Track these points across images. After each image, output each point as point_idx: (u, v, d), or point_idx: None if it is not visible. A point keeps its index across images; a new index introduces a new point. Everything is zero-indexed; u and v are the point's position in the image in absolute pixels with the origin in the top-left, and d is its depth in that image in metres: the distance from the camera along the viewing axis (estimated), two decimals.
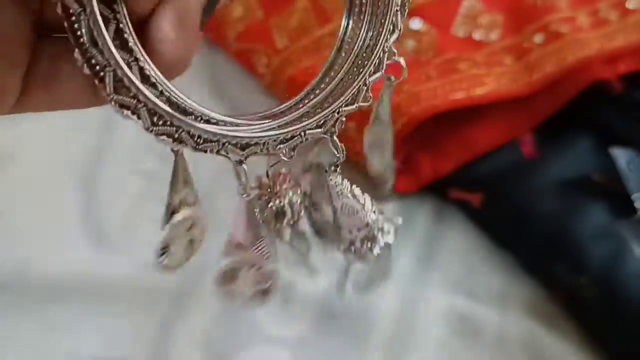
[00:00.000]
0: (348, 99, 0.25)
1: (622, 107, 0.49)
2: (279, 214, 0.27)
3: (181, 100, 0.22)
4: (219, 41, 0.54)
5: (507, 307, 0.44)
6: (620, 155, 0.47)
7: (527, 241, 0.46)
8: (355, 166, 0.50)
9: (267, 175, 0.26)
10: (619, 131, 0.49)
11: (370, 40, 0.24)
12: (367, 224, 0.29)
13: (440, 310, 0.44)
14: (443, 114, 0.47)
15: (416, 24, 0.50)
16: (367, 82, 0.25)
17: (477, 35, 0.50)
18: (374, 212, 0.29)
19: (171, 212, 0.24)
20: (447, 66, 0.48)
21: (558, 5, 0.51)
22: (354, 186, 0.29)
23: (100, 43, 0.20)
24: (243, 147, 0.23)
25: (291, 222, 0.27)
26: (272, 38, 0.51)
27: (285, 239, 0.28)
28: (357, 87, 0.25)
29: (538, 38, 0.50)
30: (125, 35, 0.21)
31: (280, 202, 0.27)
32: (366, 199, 0.29)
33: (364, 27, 0.24)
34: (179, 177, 0.24)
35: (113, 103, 0.21)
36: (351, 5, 0.24)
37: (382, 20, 0.24)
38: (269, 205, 0.26)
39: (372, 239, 0.30)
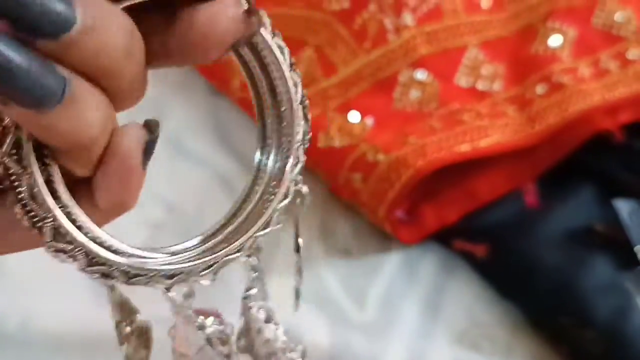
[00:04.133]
0: (261, 225, 0.27)
1: (623, 157, 0.50)
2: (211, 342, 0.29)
3: (112, 242, 0.24)
4: (223, 88, 0.54)
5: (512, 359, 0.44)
6: (623, 207, 0.47)
7: (532, 293, 0.46)
8: (361, 215, 0.50)
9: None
10: (621, 181, 0.50)
11: (278, 171, 0.27)
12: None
13: None
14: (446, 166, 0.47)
15: (420, 74, 0.50)
16: (277, 209, 0.27)
17: (481, 86, 0.51)
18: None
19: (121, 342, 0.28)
20: (451, 118, 0.49)
21: (559, 55, 0.51)
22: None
23: (39, 199, 0.22)
24: (170, 277, 0.26)
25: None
26: None
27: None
28: (269, 214, 0.27)
29: (540, 89, 0.50)
30: (55, 185, 0.23)
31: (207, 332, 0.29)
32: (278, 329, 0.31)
33: (271, 159, 0.27)
34: (119, 306, 0.27)
35: (52, 250, 0.23)
36: (263, 141, 0.27)
37: (287, 154, 0.27)
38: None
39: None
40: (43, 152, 0.22)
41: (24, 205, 0.22)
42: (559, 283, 0.45)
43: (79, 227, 0.23)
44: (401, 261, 0.48)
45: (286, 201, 0.27)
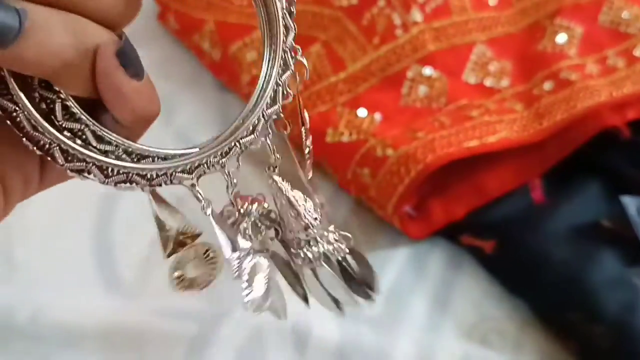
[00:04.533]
0: (268, 101, 0.27)
1: (630, 154, 0.50)
2: (254, 228, 0.29)
3: (135, 147, 0.25)
4: (232, 84, 0.55)
5: (521, 355, 0.44)
6: (630, 203, 0.47)
7: (541, 288, 0.46)
8: (369, 210, 0.50)
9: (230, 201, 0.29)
10: (627, 177, 0.50)
11: (266, 75, 0.28)
12: (306, 227, 0.29)
13: (455, 357, 0.44)
14: (454, 161, 0.47)
15: (428, 70, 0.51)
16: (279, 83, 0.28)
17: (488, 82, 0.51)
18: (315, 217, 0.30)
19: (176, 244, 0.28)
20: (459, 113, 0.49)
21: (567, 53, 0.51)
22: (294, 190, 0.29)
23: (40, 127, 0.24)
24: (190, 171, 0.27)
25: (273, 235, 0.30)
26: None
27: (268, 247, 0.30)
28: (272, 88, 0.27)
29: (547, 85, 0.50)
30: (72, 109, 0.24)
31: (247, 220, 0.29)
32: (307, 202, 0.30)
33: (265, 62, 0.28)
34: (164, 211, 0.27)
35: (68, 171, 0.24)
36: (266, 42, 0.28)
37: (274, 57, 0.27)
38: (241, 226, 0.29)
39: (313, 243, 0.30)
40: (41, 85, 0.23)
41: (30, 137, 0.24)
42: (567, 278, 0.45)
43: (104, 140, 0.24)
44: (409, 256, 0.49)
45: (288, 73, 0.27)
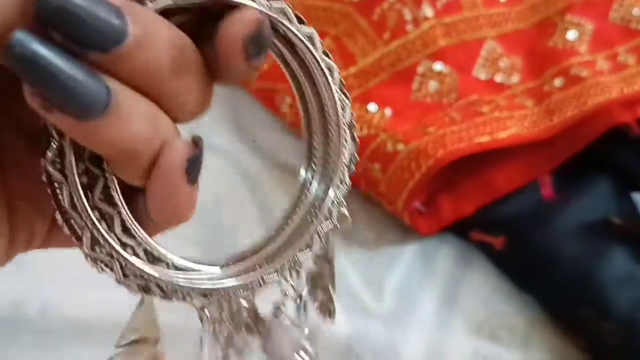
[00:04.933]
0: (303, 246, 0.26)
1: None
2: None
3: (156, 249, 0.24)
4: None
5: (530, 351, 0.44)
6: None
7: (550, 285, 0.46)
8: (378, 206, 0.50)
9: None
10: (637, 174, 0.50)
11: (322, 193, 0.26)
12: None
13: (465, 353, 0.44)
14: (464, 157, 0.47)
15: (439, 66, 0.50)
16: (320, 232, 0.26)
17: (499, 78, 0.51)
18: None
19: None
20: (470, 109, 0.49)
21: (577, 49, 0.51)
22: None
23: (79, 207, 0.22)
24: (205, 295, 0.26)
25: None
26: None
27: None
28: (310, 236, 0.26)
29: (558, 82, 0.50)
30: (111, 192, 0.23)
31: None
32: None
33: (315, 179, 0.26)
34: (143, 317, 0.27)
35: (89, 259, 0.23)
36: (308, 161, 0.26)
37: (332, 175, 0.26)
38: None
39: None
40: (91, 159, 0.22)
41: (64, 213, 0.22)
42: (577, 275, 0.45)
43: (128, 232, 0.23)
44: (418, 252, 0.49)
45: (329, 225, 0.26)
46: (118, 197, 0.23)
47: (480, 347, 0.44)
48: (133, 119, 0.21)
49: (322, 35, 0.49)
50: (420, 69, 0.51)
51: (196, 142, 0.22)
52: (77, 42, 0.19)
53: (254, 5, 0.22)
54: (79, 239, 0.23)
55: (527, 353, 0.44)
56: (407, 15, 0.51)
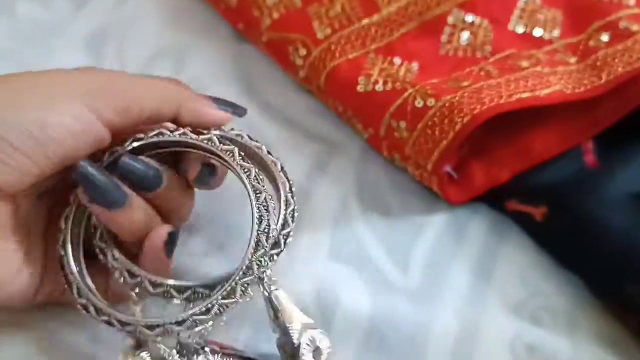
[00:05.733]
0: (224, 293, 0.34)
1: None
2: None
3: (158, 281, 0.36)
4: (249, 31, 0.49)
5: (577, 336, 0.39)
6: None
7: (596, 260, 0.41)
8: (403, 171, 0.45)
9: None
10: None
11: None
12: None
13: (505, 336, 0.39)
14: (497, 118, 0.42)
15: (472, 17, 0.45)
16: (239, 283, 0.34)
17: (537, 32, 0.46)
18: None
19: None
20: (508, 62, 0.44)
21: (626, 2, 0.46)
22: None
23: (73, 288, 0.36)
24: (152, 329, 0.34)
25: None
26: (312, 27, 0.46)
27: None
28: (230, 287, 0.34)
29: (605, 37, 0.45)
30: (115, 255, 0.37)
31: None
32: None
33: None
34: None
35: (96, 321, 0.35)
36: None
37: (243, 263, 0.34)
38: None
39: None
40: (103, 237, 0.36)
41: (66, 276, 0.36)
42: (626, 248, 0.40)
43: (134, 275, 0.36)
44: (447, 222, 0.43)
45: (232, 299, 0.34)
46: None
47: (522, 330, 0.39)
48: (138, 213, 0.35)
49: None
50: (450, 19, 0.45)
51: (173, 230, 0.36)
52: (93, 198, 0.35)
53: (207, 147, 0.36)
54: (86, 309, 0.35)
55: (574, 339, 0.39)
56: None
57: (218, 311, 0.33)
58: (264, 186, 0.35)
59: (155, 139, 0.36)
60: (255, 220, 0.34)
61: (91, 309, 0.34)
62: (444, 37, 0.45)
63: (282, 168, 0.36)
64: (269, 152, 0.37)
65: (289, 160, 0.45)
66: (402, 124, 0.42)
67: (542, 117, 0.44)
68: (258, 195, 0.34)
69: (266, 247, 0.34)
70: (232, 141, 0.36)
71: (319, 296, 0.39)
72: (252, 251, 0.34)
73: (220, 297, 0.33)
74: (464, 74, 0.43)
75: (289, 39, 0.46)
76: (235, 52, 0.51)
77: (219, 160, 0.36)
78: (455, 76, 0.43)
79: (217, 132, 0.36)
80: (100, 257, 0.36)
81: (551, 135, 0.44)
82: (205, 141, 0.36)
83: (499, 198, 0.44)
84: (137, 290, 0.35)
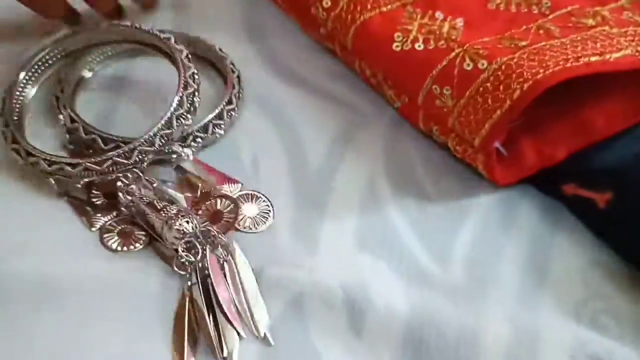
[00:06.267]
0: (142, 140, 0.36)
1: None
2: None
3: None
4: None
5: None
6: None
7: None
8: (439, 147, 0.39)
9: None
10: None
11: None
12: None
13: (564, 345, 0.33)
14: (551, 89, 0.35)
15: None
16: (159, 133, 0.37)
17: None
18: None
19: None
20: (571, 20, 0.37)
21: None
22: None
23: None
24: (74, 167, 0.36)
25: None
26: None
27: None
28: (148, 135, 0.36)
29: None
30: None
31: None
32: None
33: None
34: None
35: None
36: None
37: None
38: None
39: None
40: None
41: None
42: None
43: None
44: (493, 207, 0.37)
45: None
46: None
47: (582, 336, 0.33)
48: None
49: None
50: None
51: None
52: None
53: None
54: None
55: None
56: None
57: (137, 159, 0.36)
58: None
59: None
60: (181, 85, 0.37)
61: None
62: None
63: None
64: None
65: (306, 132, 0.39)
66: (447, 90, 0.35)
67: (603, 87, 0.38)
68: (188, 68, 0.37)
69: (186, 109, 0.37)
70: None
71: (346, 295, 0.33)
72: (173, 110, 0.36)
73: (138, 145, 0.36)
74: (519, 32, 0.37)
75: None
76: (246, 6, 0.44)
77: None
78: (510, 35, 0.36)
79: None
80: None
81: (616, 107, 0.38)
82: None
83: (552, 180, 0.37)
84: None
